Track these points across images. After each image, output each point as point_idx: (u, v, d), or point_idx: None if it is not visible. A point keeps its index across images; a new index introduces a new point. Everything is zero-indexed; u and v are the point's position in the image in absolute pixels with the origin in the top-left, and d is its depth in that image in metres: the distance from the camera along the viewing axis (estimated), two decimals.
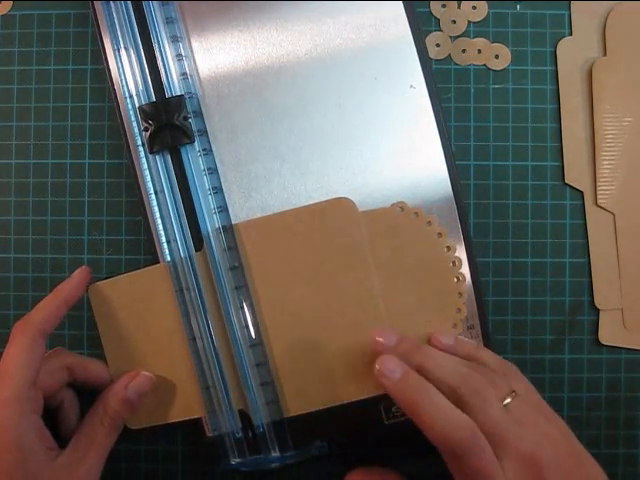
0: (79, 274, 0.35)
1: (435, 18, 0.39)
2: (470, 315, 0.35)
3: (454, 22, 0.39)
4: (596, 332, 0.39)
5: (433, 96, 0.35)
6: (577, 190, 0.39)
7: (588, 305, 0.39)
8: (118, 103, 0.35)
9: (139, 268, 0.36)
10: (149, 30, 0.35)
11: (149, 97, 0.35)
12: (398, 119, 0.36)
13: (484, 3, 0.39)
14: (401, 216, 0.35)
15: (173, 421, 0.36)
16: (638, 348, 0.38)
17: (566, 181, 0.39)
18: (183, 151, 0.35)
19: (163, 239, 0.35)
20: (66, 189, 0.39)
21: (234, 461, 0.35)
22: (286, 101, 0.36)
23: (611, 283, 0.38)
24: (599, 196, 0.38)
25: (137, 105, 0.35)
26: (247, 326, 0.35)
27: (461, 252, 0.35)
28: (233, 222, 0.35)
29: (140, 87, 0.35)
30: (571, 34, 0.39)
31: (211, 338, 0.35)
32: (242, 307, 0.35)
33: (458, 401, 0.30)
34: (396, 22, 0.36)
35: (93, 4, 0.35)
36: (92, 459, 0.32)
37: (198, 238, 0.35)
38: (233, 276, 0.35)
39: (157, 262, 0.36)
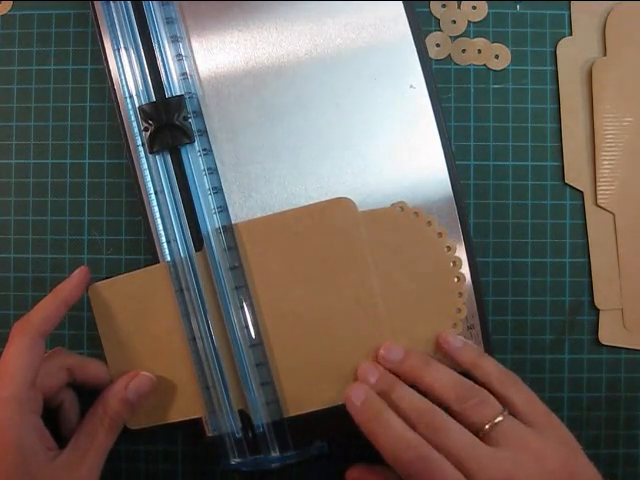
0: (79, 274, 0.35)
1: (435, 18, 0.39)
2: (470, 315, 0.35)
3: (454, 22, 0.39)
4: (596, 332, 0.39)
5: (433, 96, 0.35)
6: (577, 190, 0.39)
7: (588, 305, 0.39)
8: (118, 103, 0.35)
9: (139, 268, 0.36)
10: (149, 30, 0.35)
11: (149, 97, 0.35)
12: (398, 119, 0.36)
13: (484, 3, 0.39)
14: (401, 216, 0.35)
15: (173, 421, 0.36)
16: (638, 348, 0.38)
17: (566, 181, 0.39)
18: (183, 151, 0.35)
19: (163, 239, 0.35)
20: (66, 189, 0.39)
21: (234, 461, 0.35)
22: (286, 101, 0.36)
23: (611, 283, 0.38)
24: (599, 196, 0.38)
25: (137, 105, 0.35)
26: (247, 326, 0.35)
27: (461, 252, 0.35)
28: (233, 222, 0.35)
29: (140, 87, 0.35)
30: (571, 34, 0.39)
31: (211, 338, 0.35)
32: (242, 307, 0.35)
33: (457, 414, 0.31)
34: (396, 22, 0.36)
35: (93, 4, 0.35)
36: (92, 459, 0.32)
37: (198, 238, 0.35)
38: (233, 276, 0.35)
39: (157, 262, 0.35)
